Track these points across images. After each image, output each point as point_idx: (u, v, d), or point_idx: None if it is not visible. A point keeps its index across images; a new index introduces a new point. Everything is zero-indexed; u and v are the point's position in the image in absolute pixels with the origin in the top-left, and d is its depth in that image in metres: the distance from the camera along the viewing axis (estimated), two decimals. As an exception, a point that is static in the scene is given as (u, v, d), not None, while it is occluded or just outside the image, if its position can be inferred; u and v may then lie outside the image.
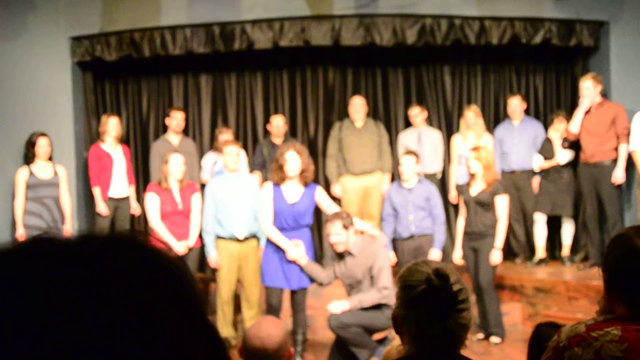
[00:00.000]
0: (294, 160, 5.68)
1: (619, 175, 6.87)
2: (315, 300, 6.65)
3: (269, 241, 5.85)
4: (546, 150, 7.41)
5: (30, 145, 6.83)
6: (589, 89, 6.93)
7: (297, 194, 5.77)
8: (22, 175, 6.76)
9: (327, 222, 5.54)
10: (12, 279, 0.57)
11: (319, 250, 8.07)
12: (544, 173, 7.43)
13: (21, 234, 6.64)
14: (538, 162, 7.45)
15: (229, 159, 6.29)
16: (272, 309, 5.75)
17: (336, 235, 5.43)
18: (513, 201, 7.53)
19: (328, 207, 5.88)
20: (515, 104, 7.66)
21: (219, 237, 6.26)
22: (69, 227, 6.91)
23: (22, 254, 0.60)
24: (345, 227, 5.42)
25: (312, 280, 5.81)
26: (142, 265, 0.61)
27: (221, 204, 6.21)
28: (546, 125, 7.78)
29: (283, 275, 5.73)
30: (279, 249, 5.76)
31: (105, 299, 0.56)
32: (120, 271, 0.59)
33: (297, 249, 5.69)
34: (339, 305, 5.44)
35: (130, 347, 0.56)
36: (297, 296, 5.84)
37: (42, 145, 6.83)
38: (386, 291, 5.39)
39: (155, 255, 0.63)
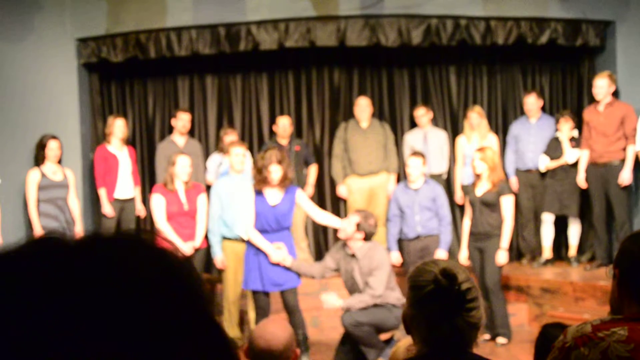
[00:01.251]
0: (276, 172, 5.72)
1: (626, 177, 6.84)
2: (317, 301, 6.65)
3: (248, 244, 5.85)
4: (553, 149, 7.38)
5: (41, 147, 6.85)
6: (603, 87, 6.90)
7: (278, 196, 5.80)
8: (33, 176, 6.77)
9: (354, 212, 5.78)
10: (18, 278, 0.57)
11: (324, 246, 8.06)
12: (552, 172, 7.40)
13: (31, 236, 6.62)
14: (544, 163, 7.43)
15: (235, 160, 6.29)
16: (261, 311, 5.76)
17: (347, 223, 5.59)
18: (528, 200, 7.50)
19: (310, 209, 5.92)
20: (532, 102, 7.61)
21: (224, 238, 6.27)
22: (80, 229, 6.92)
23: (28, 254, 0.60)
24: (359, 227, 5.52)
25: (299, 276, 5.82)
26: (148, 265, 0.61)
27: (227, 204, 6.22)
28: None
29: (260, 278, 5.74)
30: (257, 252, 5.77)
31: (111, 299, 0.56)
32: (126, 271, 0.59)
33: (280, 252, 5.70)
34: (334, 300, 5.52)
35: (137, 347, 0.56)
36: (286, 298, 5.83)
37: (52, 148, 6.84)
38: (378, 299, 5.47)
39: (162, 255, 0.63)
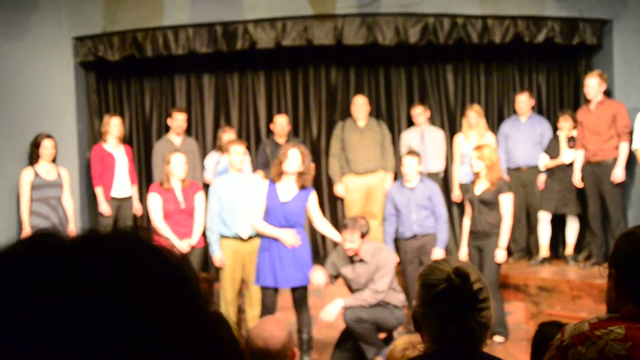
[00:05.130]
0: (294, 157, 5.70)
1: (618, 174, 6.85)
2: (319, 300, 6.65)
3: (262, 241, 5.86)
4: (552, 149, 7.39)
5: (35, 146, 6.83)
6: (594, 86, 6.91)
7: (291, 194, 5.78)
8: (27, 175, 6.76)
9: (346, 228, 5.59)
10: (15, 277, 0.57)
11: (322, 251, 8.07)
12: (550, 172, 7.41)
13: (27, 234, 6.60)
14: (544, 161, 7.44)
15: (235, 158, 6.28)
16: (266, 309, 5.76)
17: (351, 242, 5.54)
18: (519, 199, 7.51)
19: (316, 216, 5.91)
20: (523, 101, 7.64)
21: (222, 237, 6.27)
22: (73, 228, 6.91)
23: (24, 252, 0.60)
24: (363, 235, 5.53)
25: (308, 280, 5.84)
26: (144, 262, 0.61)
27: (226, 203, 6.22)
28: (550, 123, 7.77)
29: (273, 275, 5.74)
30: (270, 248, 5.76)
31: (107, 297, 0.56)
32: (122, 269, 0.59)
33: (289, 233, 5.69)
34: (332, 309, 5.53)
35: (133, 346, 0.56)
36: (296, 295, 5.85)
37: (46, 147, 6.82)
38: (380, 295, 5.47)
39: (158, 252, 0.63)
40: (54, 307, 0.55)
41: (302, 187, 5.79)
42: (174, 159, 6.37)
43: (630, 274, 1.93)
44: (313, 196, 5.90)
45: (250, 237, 6.24)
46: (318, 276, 5.61)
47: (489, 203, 6.29)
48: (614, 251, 2.00)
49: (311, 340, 5.91)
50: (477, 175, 6.39)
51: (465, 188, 6.67)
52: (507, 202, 6.31)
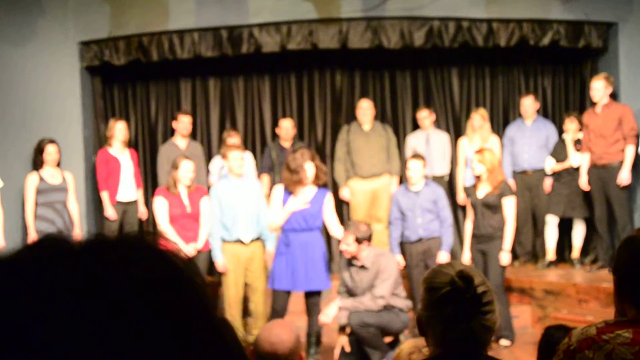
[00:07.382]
0: (310, 170, 5.75)
1: (624, 177, 6.83)
2: (323, 303, 6.64)
3: (279, 243, 5.87)
4: (558, 152, 7.37)
5: (39, 151, 6.85)
6: (600, 89, 6.90)
7: (309, 196, 5.80)
8: (32, 180, 6.77)
9: (345, 230, 5.67)
10: (21, 281, 0.57)
11: (337, 256, 8.06)
12: (557, 175, 7.39)
13: (33, 239, 6.60)
14: (550, 165, 7.42)
15: (233, 164, 6.30)
16: (276, 313, 5.77)
17: (346, 245, 5.58)
18: (525, 202, 7.49)
19: (330, 218, 5.93)
20: (528, 104, 7.62)
21: (224, 241, 6.27)
22: (79, 232, 6.92)
23: (33, 258, 0.60)
24: (358, 240, 5.54)
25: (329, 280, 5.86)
26: (151, 267, 0.61)
27: (226, 207, 6.22)
28: (555, 127, 7.75)
29: (289, 278, 5.75)
30: (286, 252, 5.77)
31: (115, 302, 0.56)
32: (130, 274, 0.59)
33: (297, 199, 5.71)
34: (330, 310, 5.58)
35: (142, 350, 0.56)
36: (310, 300, 5.88)
37: (50, 152, 6.84)
38: (381, 300, 5.48)
39: (165, 257, 0.63)
40: (62, 311, 0.55)
41: (318, 187, 5.83)
42: (184, 165, 6.38)
43: (630, 280, 1.93)
44: (329, 199, 5.93)
45: (251, 241, 6.25)
46: (329, 312, 5.60)
47: (492, 206, 6.29)
48: (616, 257, 2.01)
49: (319, 345, 5.92)
50: (478, 178, 6.39)
51: (468, 191, 6.66)
52: (510, 205, 6.30)
